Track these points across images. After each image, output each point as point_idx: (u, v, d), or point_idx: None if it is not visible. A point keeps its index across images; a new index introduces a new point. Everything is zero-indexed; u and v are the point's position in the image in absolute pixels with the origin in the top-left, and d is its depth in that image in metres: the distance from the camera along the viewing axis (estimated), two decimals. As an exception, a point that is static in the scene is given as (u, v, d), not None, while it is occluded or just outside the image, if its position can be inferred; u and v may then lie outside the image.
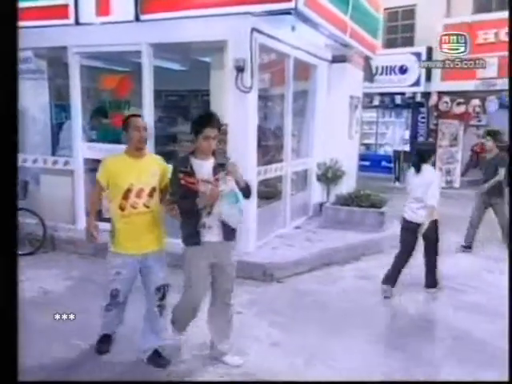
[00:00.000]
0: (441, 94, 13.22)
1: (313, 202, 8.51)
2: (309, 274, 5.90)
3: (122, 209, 3.48)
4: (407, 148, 14.27)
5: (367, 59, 9.86)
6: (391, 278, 5.26)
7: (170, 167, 3.64)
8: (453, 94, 13.01)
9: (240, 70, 5.83)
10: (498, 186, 6.83)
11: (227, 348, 3.72)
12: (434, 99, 13.27)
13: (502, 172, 6.73)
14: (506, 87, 12.18)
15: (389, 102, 14.28)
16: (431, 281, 5.43)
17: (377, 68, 13.46)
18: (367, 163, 14.77)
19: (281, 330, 4.33)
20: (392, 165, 14.30)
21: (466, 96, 12.84)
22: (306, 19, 6.19)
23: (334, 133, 8.57)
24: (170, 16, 6.15)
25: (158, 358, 3.65)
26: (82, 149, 6.91)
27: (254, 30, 5.83)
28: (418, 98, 13.71)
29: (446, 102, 13.06)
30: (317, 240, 6.88)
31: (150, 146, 6.54)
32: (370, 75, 10.57)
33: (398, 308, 5.07)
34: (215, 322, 3.71)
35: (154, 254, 3.59)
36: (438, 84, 13.29)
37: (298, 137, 8.23)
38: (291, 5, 5.62)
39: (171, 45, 6.48)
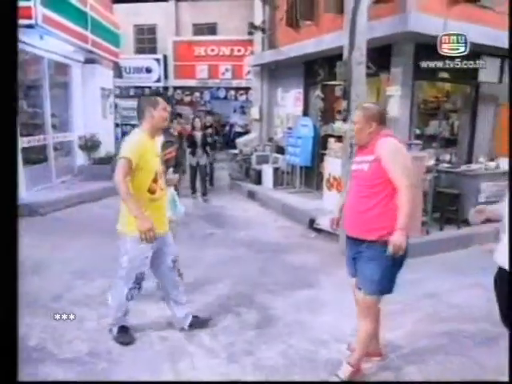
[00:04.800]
0: (176, 87, 14.97)
1: (77, 164, 9.07)
2: (66, 209, 6.69)
3: (152, 192, 2.71)
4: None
5: (116, 62, 10.66)
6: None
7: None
8: (183, 88, 14.97)
9: (-3, 66, 6.16)
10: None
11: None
12: (171, 91, 14.98)
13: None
14: (215, 85, 14.58)
15: (140, 94, 15.34)
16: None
17: (130, 68, 14.44)
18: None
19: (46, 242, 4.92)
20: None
21: (191, 90, 14.89)
22: (47, 32, 6.76)
23: (91, 114, 9.27)
24: None
25: (199, 320, 3.08)
26: None
27: (6, 37, 6.20)
28: (161, 91, 15.15)
29: (179, 94, 14.92)
30: (76, 188, 7.71)
31: None
32: (119, 73, 11.46)
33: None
34: None
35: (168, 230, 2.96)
36: (173, 81, 15.09)
37: (59, 117, 8.63)
38: (32, 21, 6.18)
39: None
